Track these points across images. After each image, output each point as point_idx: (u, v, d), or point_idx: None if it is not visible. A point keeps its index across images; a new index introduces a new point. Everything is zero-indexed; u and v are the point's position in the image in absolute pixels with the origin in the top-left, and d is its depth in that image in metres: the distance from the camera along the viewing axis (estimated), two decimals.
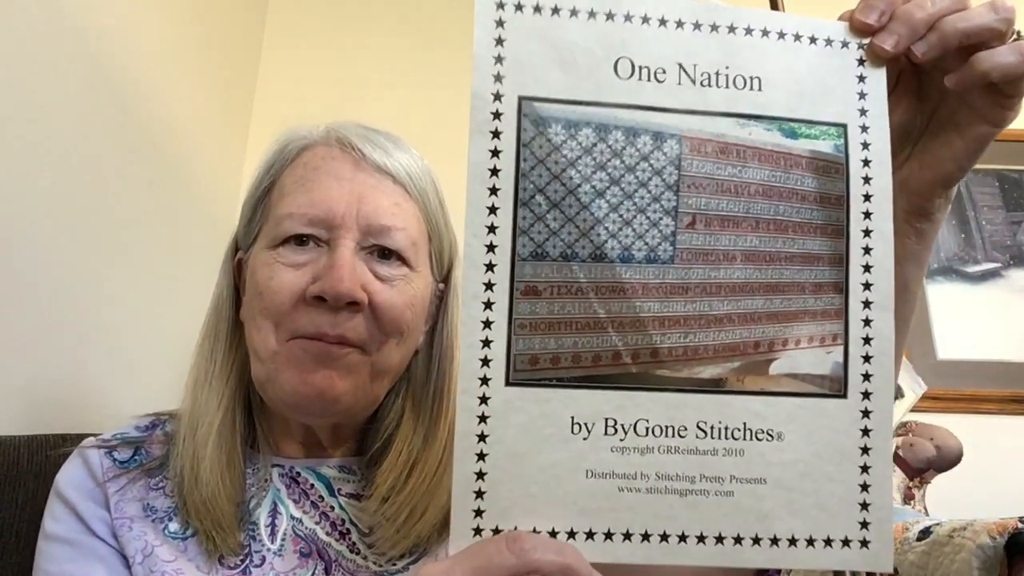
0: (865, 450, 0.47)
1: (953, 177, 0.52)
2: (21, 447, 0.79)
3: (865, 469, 0.47)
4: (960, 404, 1.79)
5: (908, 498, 1.46)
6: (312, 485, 0.69)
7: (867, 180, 0.49)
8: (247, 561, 0.65)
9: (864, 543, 0.47)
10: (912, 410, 1.44)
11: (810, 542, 0.46)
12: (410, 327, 0.68)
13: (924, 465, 1.46)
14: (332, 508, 0.68)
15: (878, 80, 0.50)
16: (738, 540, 0.46)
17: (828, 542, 0.46)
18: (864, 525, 0.47)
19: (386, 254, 0.67)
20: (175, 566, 0.64)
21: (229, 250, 0.75)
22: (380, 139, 0.71)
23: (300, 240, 0.66)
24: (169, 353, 0.75)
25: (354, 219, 0.66)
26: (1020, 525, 0.54)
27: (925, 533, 0.62)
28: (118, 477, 0.67)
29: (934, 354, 1.82)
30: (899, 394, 1.39)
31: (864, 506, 0.47)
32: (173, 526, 0.65)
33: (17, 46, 0.88)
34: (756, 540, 0.46)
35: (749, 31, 0.49)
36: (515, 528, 0.44)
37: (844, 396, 0.47)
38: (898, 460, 1.45)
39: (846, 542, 0.46)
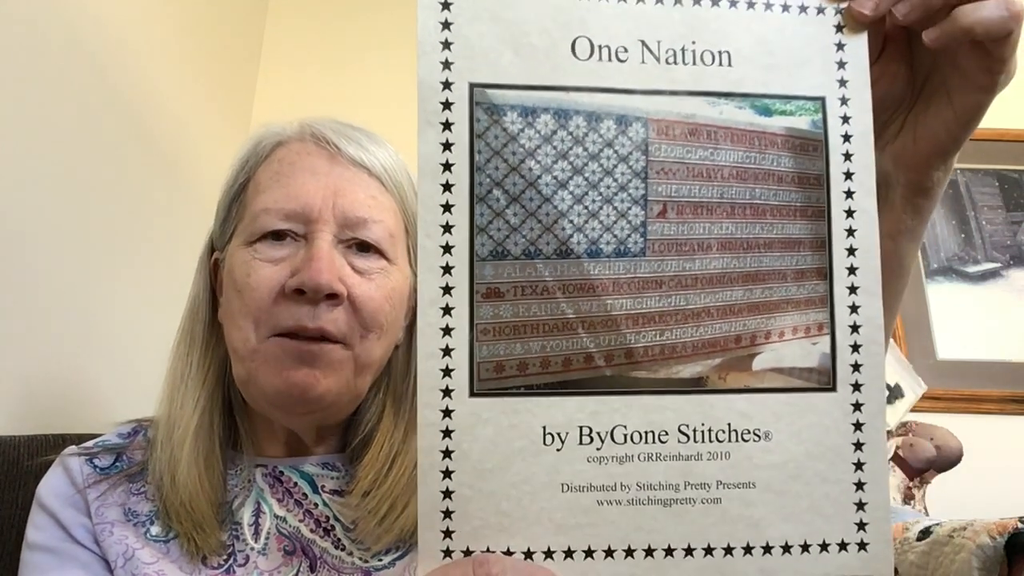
0: (858, 446, 0.44)
1: (948, 149, 0.49)
2: (21, 447, 0.79)
3: (859, 466, 0.44)
4: (960, 404, 1.78)
5: (908, 498, 1.45)
6: (295, 483, 0.69)
7: (848, 157, 0.46)
8: (231, 561, 0.65)
9: (862, 545, 0.44)
10: (912, 410, 1.44)
11: (805, 548, 0.43)
12: (389, 320, 0.68)
13: (924, 465, 1.45)
14: (316, 505, 0.68)
15: (858, 47, 0.46)
16: (728, 551, 0.43)
17: (824, 547, 0.43)
18: (861, 526, 0.44)
19: (364, 247, 0.67)
20: (156, 568, 0.63)
21: (205, 250, 0.75)
22: (355, 134, 0.71)
23: (277, 235, 0.66)
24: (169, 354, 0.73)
25: (331, 212, 0.65)
26: (1020, 525, 0.52)
27: (925, 533, 0.61)
28: (99, 483, 0.67)
29: (934, 354, 1.81)
30: (899, 394, 1.38)
31: (860, 506, 0.44)
32: (155, 529, 0.65)
33: (16, 44, 0.88)
34: (748, 549, 0.43)
35: (716, 2, 0.46)
36: (487, 549, 0.42)
37: (833, 389, 0.45)
38: (898, 460, 1.44)
39: (843, 546, 0.44)
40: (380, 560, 0.66)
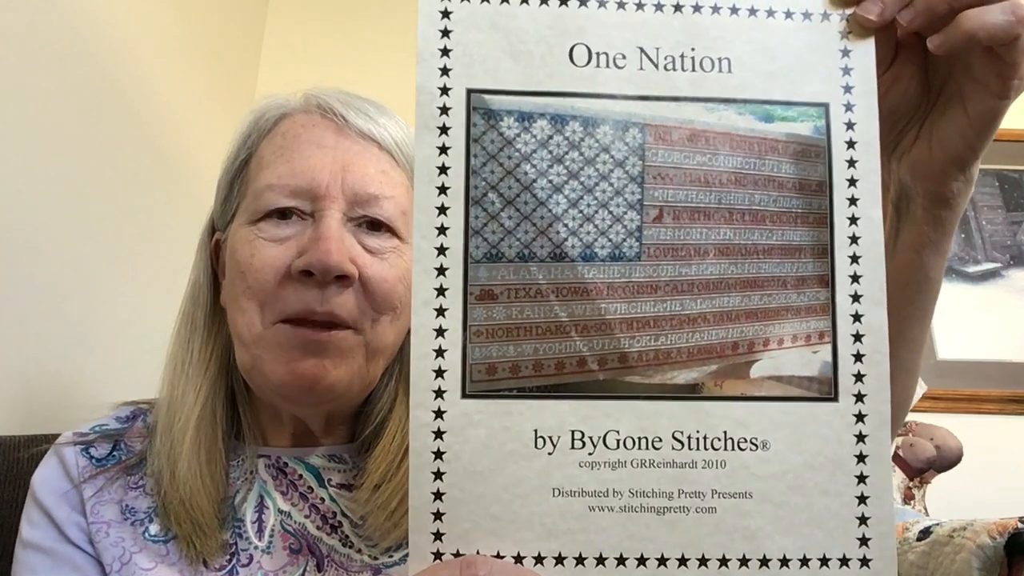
0: (861, 458, 0.43)
1: (964, 158, 0.48)
2: (21, 447, 0.78)
3: (862, 479, 0.43)
4: (960, 404, 1.79)
5: (908, 498, 1.44)
6: (300, 476, 0.66)
7: (852, 163, 0.45)
8: (234, 561, 0.62)
9: (865, 562, 0.42)
10: (912, 410, 1.43)
11: (804, 562, 0.42)
12: (403, 303, 0.65)
13: (924, 465, 1.46)
14: (322, 500, 0.65)
15: (864, 54, 0.46)
16: (724, 562, 0.42)
17: (824, 562, 0.42)
18: (864, 542, 0.42)
19: (375, 225, 0.64)
20: (154, 574, 0.60)
21: (205, 231, 0.72)
22: (363, 104, 0.68)
23: (282, 214, 0.63)
24: (169, 340, 0.71)
25: (339, 188, 0.62)
26: (1020, 525, 0.51)
27: (925, 533, 0.59)
28: (95, 477, 0.64)
29: (934, 354, 1.83)
30: None
31: (863, 520, 0.43)
32: (154, 528, 0.62)
33: (15, 41, 0.88)
34: (744, 561, 0.42)
35: (716, 9, 0.45)
36: (477, 552, 0.41)
37: (835, 399, 0.43)
38: (898, 460, 1.44)
39: (844, 561, 0.42)
40: (390, 557, 0.63)
